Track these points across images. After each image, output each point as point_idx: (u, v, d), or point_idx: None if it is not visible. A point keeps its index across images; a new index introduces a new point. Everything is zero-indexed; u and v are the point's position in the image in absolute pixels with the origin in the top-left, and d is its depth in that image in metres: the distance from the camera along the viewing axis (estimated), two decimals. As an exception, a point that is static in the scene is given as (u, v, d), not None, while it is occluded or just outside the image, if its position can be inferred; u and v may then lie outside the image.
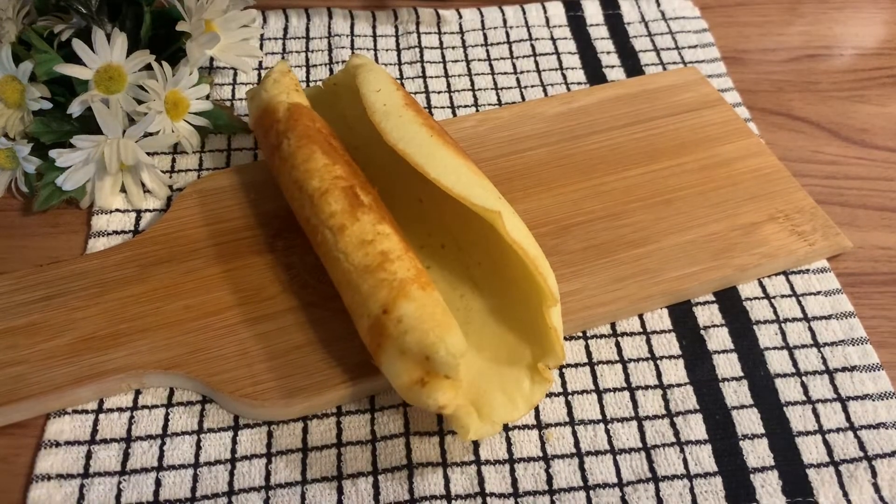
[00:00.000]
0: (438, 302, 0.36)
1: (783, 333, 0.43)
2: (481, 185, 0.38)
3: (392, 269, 0.36)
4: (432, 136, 0.40)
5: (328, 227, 0.38)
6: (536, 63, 0.59)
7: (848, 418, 0.39)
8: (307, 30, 0.61)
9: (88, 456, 0.37)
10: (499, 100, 0.56)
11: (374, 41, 0.60)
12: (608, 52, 0.60)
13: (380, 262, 0.36)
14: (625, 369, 0.41)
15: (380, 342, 0.35)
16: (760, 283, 0.45)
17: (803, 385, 0.41)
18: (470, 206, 0.37)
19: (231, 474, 0.37)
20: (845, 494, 0.37)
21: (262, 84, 0.45)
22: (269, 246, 0.44)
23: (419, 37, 0.60)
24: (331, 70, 0.58)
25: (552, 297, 0.36)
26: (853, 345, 0.42)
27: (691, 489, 0.37)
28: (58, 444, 0.38)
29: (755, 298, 0.44)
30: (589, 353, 0.42)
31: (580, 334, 0.42)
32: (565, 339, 0.42)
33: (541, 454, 0.38)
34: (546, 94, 0.56)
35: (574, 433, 0.39)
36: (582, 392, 0.40)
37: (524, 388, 0.36)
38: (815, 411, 0.40)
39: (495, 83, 0.57)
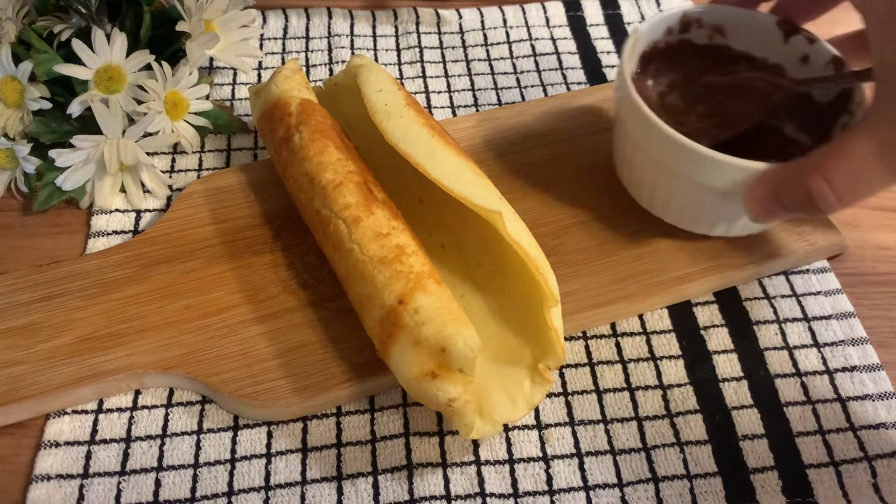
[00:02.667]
0: (452, 299, 0.36)
1: (783, 333, 0.43)
2: (482, 185, 0.38)
3: (409, 263, 0.36)
4: (433, 137, 0.40)
5: (342, 218, 0.38)
6: (536, 63, 0.59)
7: (848, 418, 0.39)
8: (307, 30, 0.61)
9: (88, 456, 0.37)
10: (499, 100, 0.56)
11: (374, 41, 0.60)
12: (608, 52, 0.60)
13: (396, 255, 0.36)
14: (625, 369, 0.41)
15: (392, 332, 0.35)
16: (760, 283, 0.45)
17: (803, 385, 0.41)
18: (470, 207, 0.37)
19: (231, 474, 0.37)
20: (845, 494, 0.37)
21: (273, 79, 0.45)
22: (269, 246, 0.44)
23: (419, 37, 0.60)
24: (331, 70, 0.58)
25: (553, 297, 0.36)
26: (853, 345, 0.42)
27: (691, 489, 0.37)
28: (57, 445, 0.38)
29: (755, 298, 0.44)
30: (589, 354, 0.42)
31: (580, 334, 0.42)
32: (565, 339, 0.42)
33: (541, 454, 0.38)
34: (546, 94, 0.56)
35: (574, 433, 0.39)
36: (582, 392, 0.40)
37: (525, 389, 0.36)
38: (815, 411, 0.40)
39: (495, 83, 0.57)
